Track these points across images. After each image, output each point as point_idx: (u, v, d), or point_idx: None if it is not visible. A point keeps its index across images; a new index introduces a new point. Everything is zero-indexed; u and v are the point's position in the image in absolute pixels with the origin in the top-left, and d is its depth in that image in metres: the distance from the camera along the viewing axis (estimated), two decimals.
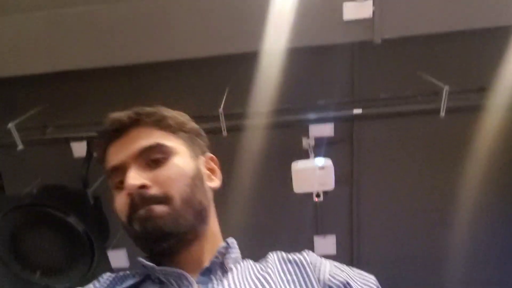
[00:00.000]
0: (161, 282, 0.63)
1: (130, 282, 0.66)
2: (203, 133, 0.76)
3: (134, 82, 2.22)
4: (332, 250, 2.56)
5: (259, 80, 2.00)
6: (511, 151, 2.18)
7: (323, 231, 2.55)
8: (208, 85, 2.12)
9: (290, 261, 0.68)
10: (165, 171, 0.64)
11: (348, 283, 0.64)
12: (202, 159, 0.73)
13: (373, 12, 1.73)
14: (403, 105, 1.95)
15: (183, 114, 0.74)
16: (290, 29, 1.73)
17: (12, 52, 1.88)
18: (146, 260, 0.66)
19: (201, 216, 0.67)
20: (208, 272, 0.64)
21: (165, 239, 0.62)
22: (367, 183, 2.42)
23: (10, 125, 1.93)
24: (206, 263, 0.64)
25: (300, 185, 2.03)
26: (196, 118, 0.75)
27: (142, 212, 0.61)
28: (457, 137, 2.24)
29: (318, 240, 2.56)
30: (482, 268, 2.55)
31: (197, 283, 0.62)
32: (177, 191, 0.64)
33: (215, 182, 0.73)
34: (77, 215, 2.13)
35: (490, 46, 2.05)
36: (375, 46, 1.80)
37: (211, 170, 0.74)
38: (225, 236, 0.73)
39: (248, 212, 2.38)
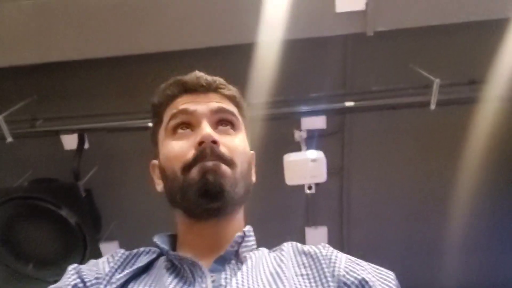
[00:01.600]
0: (174, 264, 0.63)
1: (144, 260, 0.65)
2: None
3: (124, 73, 2.19)
4: (324, 242, 2.58)
5: (251, 72, 2.00)
6: (500, 143, 2.21)
7: (314, 223, 2.57)
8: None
9: (305, 253, 0.67)
10: (233, 140, 0.66)
11: (364, 280, 0.60)
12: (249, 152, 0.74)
13: (366, 5, 1.73)
14: (394, 98, 1.96)
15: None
16: (282, 21, 1.72)
17: (0, 42, 1.85)
18: (161, 240, 0.67)
19: (245, 196, 0.67)
20: (222, 261, 0.63)
21: (218, 197, 0.61)
22: (359, 175, 2.44)
23: None
24: (222, 250, 0.63)
25: (292, 177, 2.05)
26: None
27: (210, 164, 0.61)
28: (447, 129, 2.26)
29: (309, 232, 2.58)
30: (465, 256, 2.60)
31: (210, 270, 0.61)
32: (240, 162, 0.65)
33: (253, 177, 0.74)
34: (69, 208, 2.12)
35: (481, 39, 2.07)
36: (368, 38, 1.80)
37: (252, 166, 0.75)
38: None
39: None
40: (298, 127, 2.28)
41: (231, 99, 0.70)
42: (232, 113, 0.68)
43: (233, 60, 2.05)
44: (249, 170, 0.69)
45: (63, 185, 2.24)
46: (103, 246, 2.45)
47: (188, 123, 0.66)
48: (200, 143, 0.62)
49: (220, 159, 0.62)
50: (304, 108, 2.00)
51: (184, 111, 0.66)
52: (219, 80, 0.70)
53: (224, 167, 0.62)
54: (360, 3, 1.73)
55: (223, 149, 0.63)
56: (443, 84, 1.82)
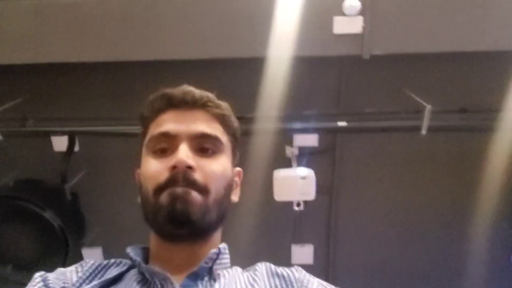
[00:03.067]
0: (144, 277, 0.63)
1: (114, 272, 0.65)
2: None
3: (121, 79, 2.19)
4: (309, 260, 2.57)
5: (246, 86, 2.01)
6: (485, 172, 2.23)
7: (301, 240, 2.56)
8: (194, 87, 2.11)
9: (278, 275, 0.67)
10: (211, 165, 0.65)
11: None
12: (233, 170, 0.73)
13: (363, 28, 1.76)
14: (386, 121, 1.99)
15: (236, 120, 0.74)
16: (280, 39, 1.74)
17: None
18: (134, 252, 0.66)
19: (220, 221, 0.67)
20: (195, 277, 0.63)
21: (185, 225, 0.61)
22: (347, 194, 2.45)
23: None
24: (195, 267, 0.63)
25: (281, 193, 2.04)
26: None
27: (180, 190, 0.60)
28: (436, 155, 2.29)
29: (295, 249, 2.56)
30: (450, 282, 2.60)
31: (182, 286, 0.61)
32: (215, 188, 0.64)
33: (236, 196, 0.73)
34: (53, 211, 2.09)
35: (474, 69, 2.11)
36: (363, 61, 1.83)
37: (236, 184, 0.74)
38: None
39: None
40: (290, 144, 2.29)
41: (218, 118, 0.69)
42: (214, 138, 0.66)
43: (228, 73, 2.07)
44: (228, 193, 0.68)
45: (49, 187, 2.21)
46: (86, 252, 2.41)
47: (168, 145, 0.65)
48: (173, 167, 0.61)
49: (191, 185, 0.61)
50: (297, 125, 2.01)
51: (166, 134, 0.65)
52: (207, 96, 0.68)
53: (194, 194, 0.61)
54: (357, 26, 1.76)
55: (197, 175, 0.62)
56: (434, 110, 1.85)
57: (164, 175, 0.62)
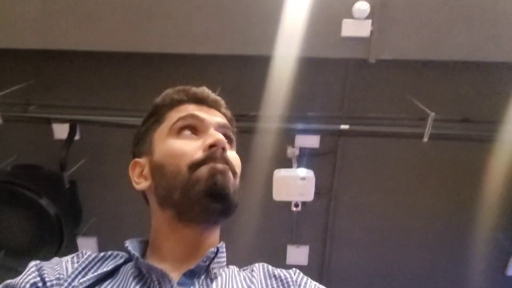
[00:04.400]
0: (141, 272, 0.62)
1: (110, 265, 0.64)
2: None
3: (126, 70, 2.19)
4: (304, 261, 2.57)
5: (251, 84, 2.01)
6: (484, 182, 2.23)
7: (297, 241, 2.56)
8: (199, 83, 2.10)
9: (275, 277, 0.67)
10: (233, 154, 0.69)
11: None
12: None
13: (371, 32, 1.75)
14: (389, 126, 1.98)
15: None
16: (288, 38, 1.74)
17: (4, 24, 1.84)
18: (132, 245, 0.66)
19: (236, 207, 0.68)
20: (192, 275, 0.62)
21: (222, 199, 0.62)
22: (345, 198, 2.44)
23: None
24: (193, 263, 0.63)
25: (280, 193, 2.04)
26: None
27: (220, 165, 0.63)
28: (437, 163, 2.29)
29: (291, 249, 2.56)
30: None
31: (179, 284, 0.60)
32: (238, 174, 0.67)
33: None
34: (50, 198, 2.07)
35: (478, 79, 2.11)
36: (369, 65, 1.82)
37: None
38: None
39: None
40: (292, 144, 2.29)
41: (229, 120, 0.73)
42: (232, 131, 0.72)
43: (234, 69, 2.06)
44: (239, 186, 0.70)
45: (47, 174, 2.20)
46: (81, 241, 2.41)
47: (195, 128, 0.67)
48: (211, 146, 0.63)
49: (228, 165, 0.64)
50: (299, 126, 2.00)
51: (194, 116, 0.68)
52: (221, 100, 0.74)
53: (230, 173, 0.64)
54: (365, 30, 1.76)
55: (229, 158, 0.65)
56: (437, 118, 1.85)
57: (198, 153, 0.63)
